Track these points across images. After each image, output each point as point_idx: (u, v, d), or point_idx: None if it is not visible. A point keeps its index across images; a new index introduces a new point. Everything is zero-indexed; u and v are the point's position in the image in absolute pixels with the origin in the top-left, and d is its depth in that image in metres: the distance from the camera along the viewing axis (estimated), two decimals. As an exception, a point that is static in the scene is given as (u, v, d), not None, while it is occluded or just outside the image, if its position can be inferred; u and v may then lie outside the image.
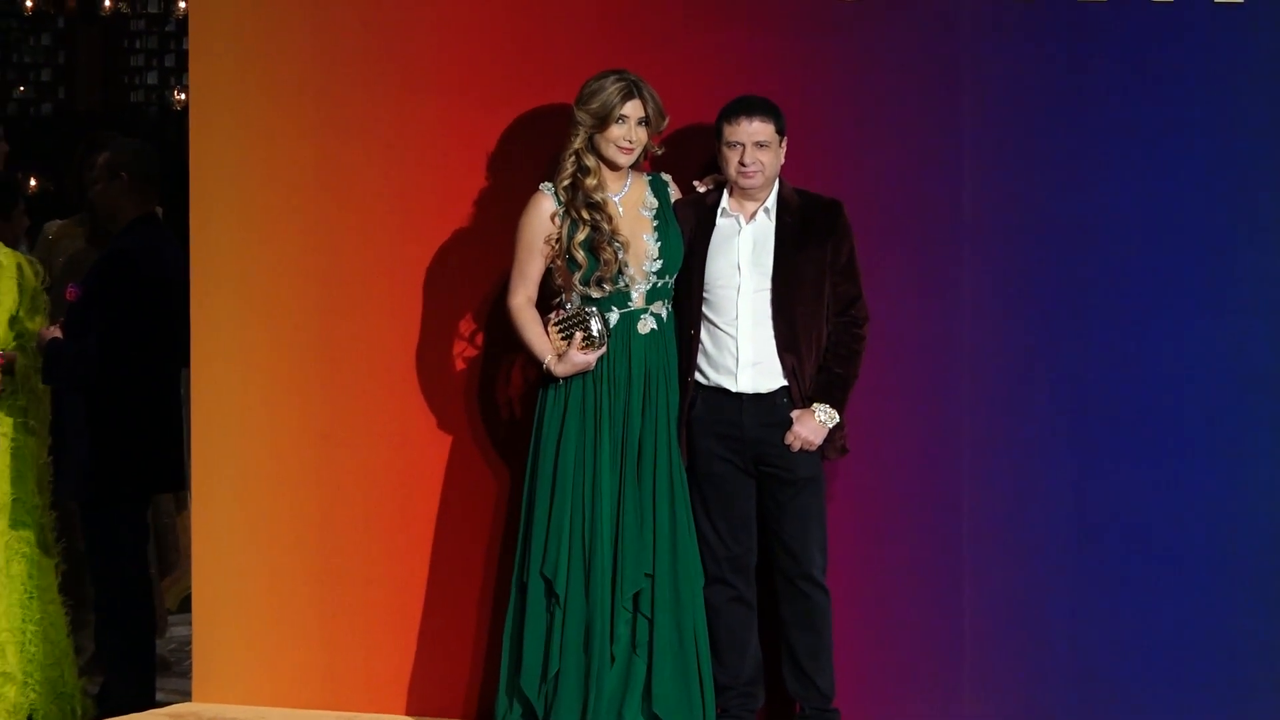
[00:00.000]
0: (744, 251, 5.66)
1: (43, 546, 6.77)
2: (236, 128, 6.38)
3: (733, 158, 5.61)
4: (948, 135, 5.87)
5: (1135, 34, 5.75)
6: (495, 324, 6.08)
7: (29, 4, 14.13)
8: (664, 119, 5.70)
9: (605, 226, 5.63)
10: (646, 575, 5.63)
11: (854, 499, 5.91)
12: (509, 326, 5.78)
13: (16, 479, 6.72)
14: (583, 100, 5.65)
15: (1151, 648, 5.79)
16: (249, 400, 6.38)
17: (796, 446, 5.64)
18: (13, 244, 7.26)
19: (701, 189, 5.80)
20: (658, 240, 5.67)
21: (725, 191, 5.72)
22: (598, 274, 5.63)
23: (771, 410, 5.65)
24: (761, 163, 5.60)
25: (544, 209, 5.69)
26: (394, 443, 6.26)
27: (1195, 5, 5.72)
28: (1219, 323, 5.73)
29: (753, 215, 5.68)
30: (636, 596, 5.64)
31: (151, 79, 15.42)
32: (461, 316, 6.19)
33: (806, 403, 5.65)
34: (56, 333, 6.73)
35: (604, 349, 5.64)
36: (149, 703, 6.76)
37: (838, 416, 5.65)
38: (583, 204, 5.65)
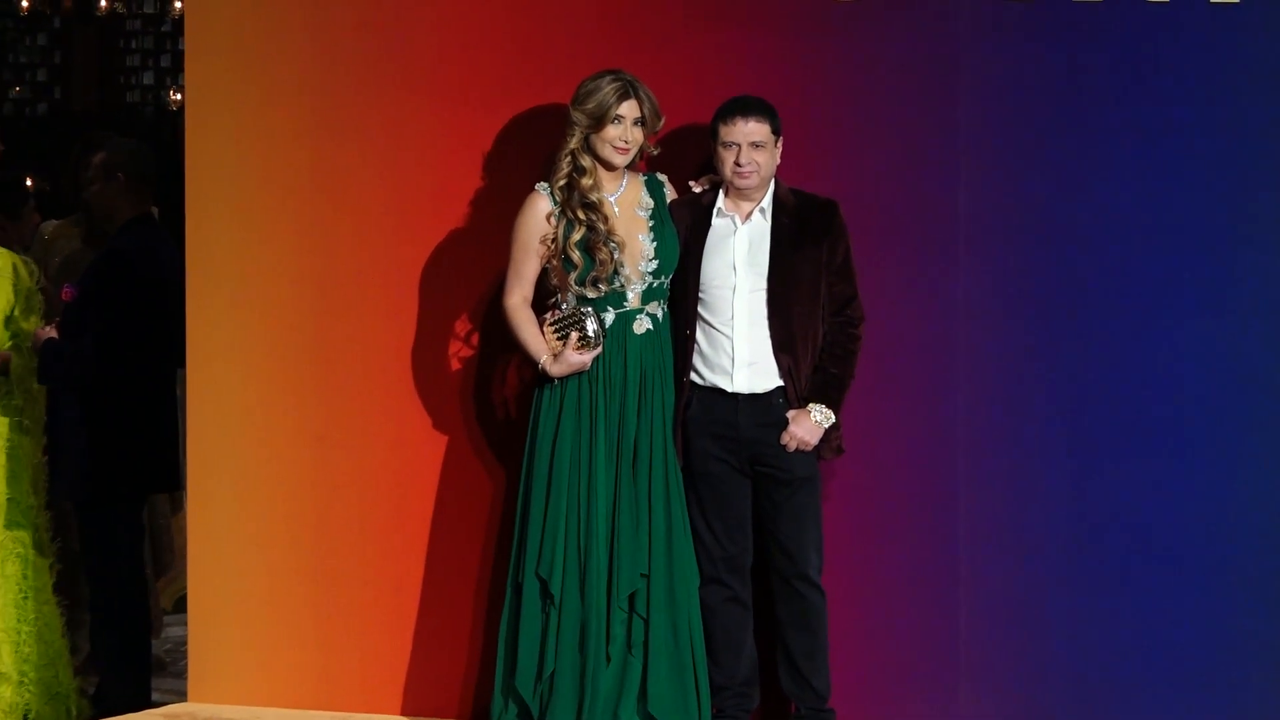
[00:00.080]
0: (739, 252, 5.66)
1: (38, 546, 6.77)
2: (232, 128, 6.38)
3: (728, 158, 5.61)
4: (944, 136, 5.87)
5: (1132, 34, 5.75)
6: (491, 324, 6.08)
7: (25, 4, 14.13)
8: (660, 119, 5.70)
9: (601, 227, 5.63)
10: (642, 575, 5.63)
11: (850, 499, 5.91)
12: (504, 327, 5.78)
13: (11, 479, 6.71)
14: (578, 100, 5.65)
15: (1149, 648, 5.79)
16: (245, 401, 6.38)
17: (792, 446, 5.64)
18: (23, 244, 7.27)
19: (697, 189, 5.79)
20: (653, 240, 5.67)
21: (721, 192, 5.71)
22: (593, 274, 5.62)
23: (767, 410, 5.65)
24: (757, 163, 5.59)
25: (540, 209, 5.69)
26: (390, 443, 6.26)
27: (1192, 5, 5.72)
28: (1217, 323, 5.73)
29: (748, 215, 5.68)
30: (632, 597, 5.64)
31: (147, 79, 15.42)
32: (457, 317, 6.19)
33: (802, 403, 5.65)
34: (52, 333, 6.72)
35: (599, 349, 5.64)
36: (144, 703, 6.75)
37: (834, 416, 5.65)
38: (578, 204, 5.65)
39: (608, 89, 5.62)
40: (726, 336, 5.65)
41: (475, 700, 6.17)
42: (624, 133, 5.63)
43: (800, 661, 5.73)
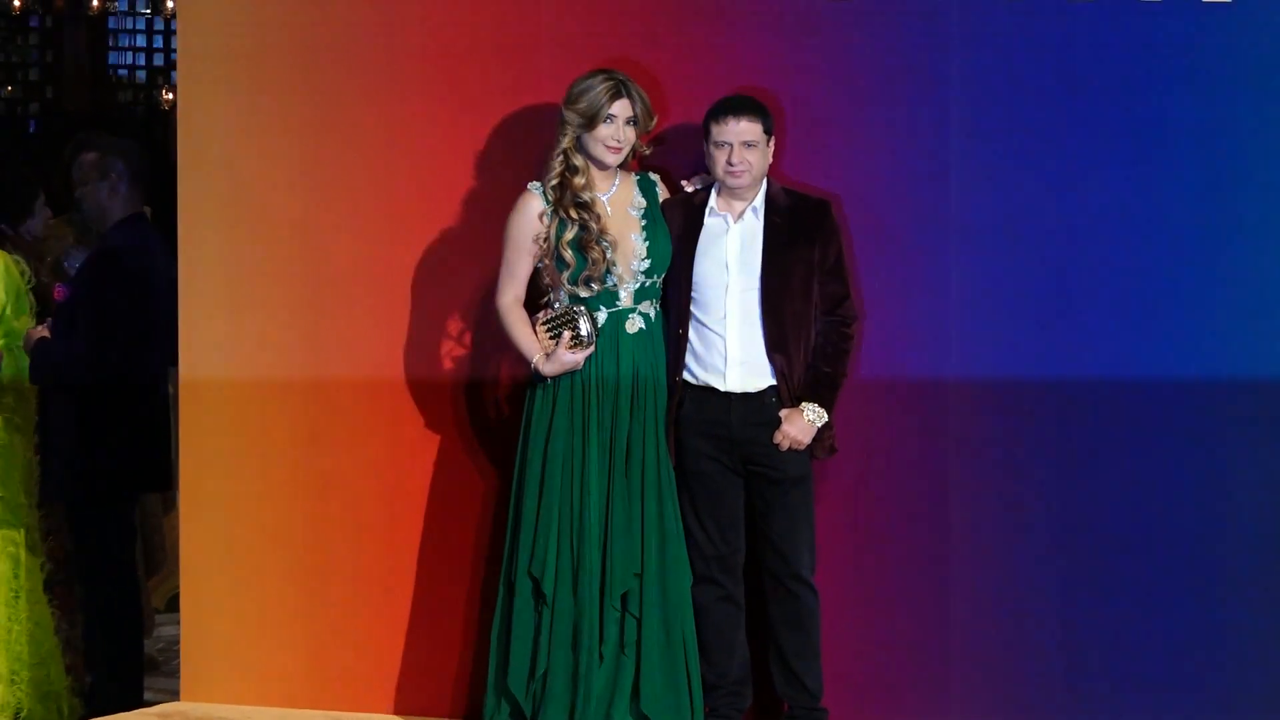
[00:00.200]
0: (732, 251, 5.66)
1: (29, 546, 6.76)
2: (224, 128, 6.37)
3: (720, 157, 5.61)
4: (936, 134, 5.86)
5: (1124, 33, 5.75)
6: (483, 323, 6.08)
7: (16, 3, 14.12)
8: (652, 118, 5.70)
9: (593, 226, 5.63)
10: (635, 575, 5.63)
11: (843, 498, 5.91)
12: (497, 326, 5.77)
13: (2, 478, 6.71)
14: (571, 100, 5.65)
15: (1139, 648, 5.79)
16: (237, 400, 6.38)
17: (785, 446, 5.64)
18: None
19: (689, 188, 5.80)
20: (646, 240, 5.67)
21: (713, 191, 5.72)
22: (586, 273, 5.63)
23: (760, 409, 5.66)
24: (749, 162, 5.60)
25: (532, 208, 5.69)
26: (382, 442, 6.25)
27: (1184, 5, 5.72)
28: (1210, 323, 5.73)
29: (741, 215, 5.68)
30: (625, 596, 5.63)
31: (139, 79, 15.42)
32: (449, 316, 6.19)
33: (795, 402, 5.65)
34: (44, 332, 6.72)
35: (592, 348, 5.64)
36: (137, 702, 6.75)
37: (826, 416, 5.66)
38: (571, 203, 5.65)
39: (600, 88, 5.62)
40: (719, 336, 5.65)
41: (468, 699, 6.16)
42: (616, 132, 5.63)
43: (792, 661, 5.73)
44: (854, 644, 5.91)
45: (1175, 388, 5.76)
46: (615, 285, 5.65)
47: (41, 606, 6.78)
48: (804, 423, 5.63)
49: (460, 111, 6.14)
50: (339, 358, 6.28)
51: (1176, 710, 5.77)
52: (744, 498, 5.74)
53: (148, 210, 7.06)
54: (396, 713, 6.25)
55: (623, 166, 5.74)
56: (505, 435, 6.03)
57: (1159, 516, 5.77)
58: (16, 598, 6.71)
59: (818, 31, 5.92)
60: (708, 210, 5.70)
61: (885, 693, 5.94)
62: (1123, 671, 5.80)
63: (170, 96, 13.94)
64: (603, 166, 5.69)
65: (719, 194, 5.70)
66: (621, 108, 5.63)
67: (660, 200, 5.76)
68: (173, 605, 7.69)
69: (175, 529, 7.13)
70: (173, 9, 11.20)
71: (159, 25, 14.85)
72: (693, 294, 5.67)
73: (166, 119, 13.07)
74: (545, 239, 5.67)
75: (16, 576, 6.73)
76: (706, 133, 5.63)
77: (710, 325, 5.66)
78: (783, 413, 5.65)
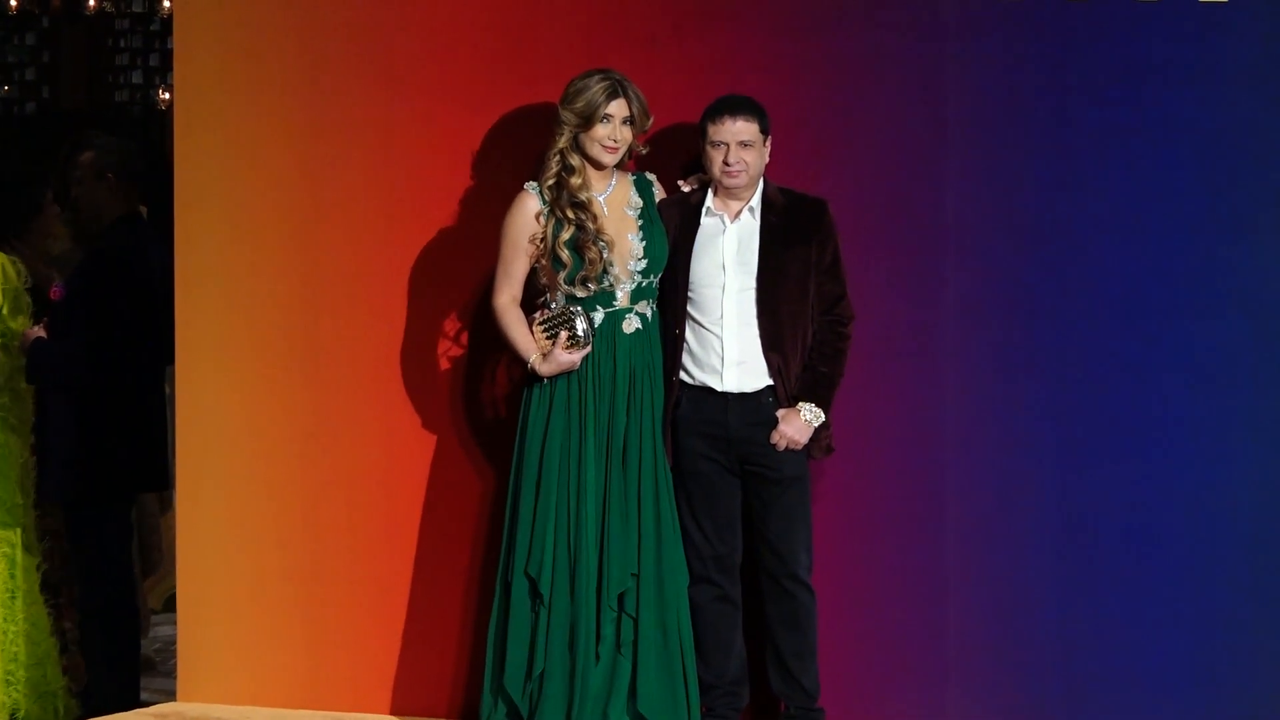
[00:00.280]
0: (729, 251, 5.66)
1: (25, 546, 6.76)
2: (221, 127, 6.37)
3: (717, 157, 5.61)
4: (933, 134, 5.87)
5: (1120, 33, 5.76)
6: (480, 323, 6.08)
7: (13, 3, 14.11)
8: (649, 118, 5.69)
9: (590, 226, 5.63)
10: (632, 575, 5.63)
11: (840, 498, 5.91)
12: (494, 326, 5.77)
13: (-1, 478, 6.72)
14: (567, 99, 5.65)
15: (1136, 646, 5.79)
16: (233, 400, 6.38)
17: (782, 445, 5.64)
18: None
19: (686, 188, 5.79)
20: (642, 239, 5.67)
21: (710, 191, 5.71)
22: (582, 273, 5.62)
23: (757, 409, 5.65)
24: (746, 162, 5.60)
25: (529, 208, 5.69)
26: (379, 442, 6.25)
27: (1180, 4, 5.73)
28: (1204, 322, 5.74)
29: (737, 214, 5.68)
30: (621, 596, 5.63)
31: (136, 78, 15.40)
32: (446, 316, 6.19)
33: (792, 402, 5.65)
34: (40, 333, 6.72)
35: (589, 348, 5.64)
36: (133, 702, 6.75)
37: (823, 415, 5.66)
38: (567, 203, 5.65)
39: (596, 88, 5.62)
40: (716, 335, 5.65)
41: (464, 699, 6.16)
42: (612, 132, 5.63)
43: (789, 660, 5.73)
44: (851, 644, 5.91)
45: (1172, 386, 5.77)
46: (612, 285, 5.65)
47: (38, 607, 6.78)
48: (801, 422, 5.63)
49: (457, 111, 6.14)
50: (335, 358, 6.28)
51: (1174, 710, 5.77)
52: (741, 498, 5.74)
53: (144, 210, 7.06)
54: (393, 713, 6.25)
55: (619, 166, 5.74)
56: (502, 435, 6.03)
57: (1156, 516, 5.78)
58: (13, 598, 6.71)
59: (814, 31, 5.92)
60: (704, 210, 5.70)
61: (882, 692, 5.94)
62: (1120, 671, 5.80)
63: (167, 96, 13.92)
64: (599, 166, 5.69)
65: (715, 194, 5.70)
66: (618, 107, 5.63)
67: (657, 200, 5.76)
68: (170, 605, 7.69)
69: (172, 529, 7.14)
70: (169, 9, 11.19)
71: (155, 25, 14.83)
72: (689, 294, 5.67)
73: (163, 119, 13.06)
74: (542, 239, 5.67)
75: (13, 577, 6.73)
76: (703, 133, 5.63)
77: (707, 325, 5.66)
78: (780, 413, 5.65)
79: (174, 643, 6.70)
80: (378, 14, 6.23)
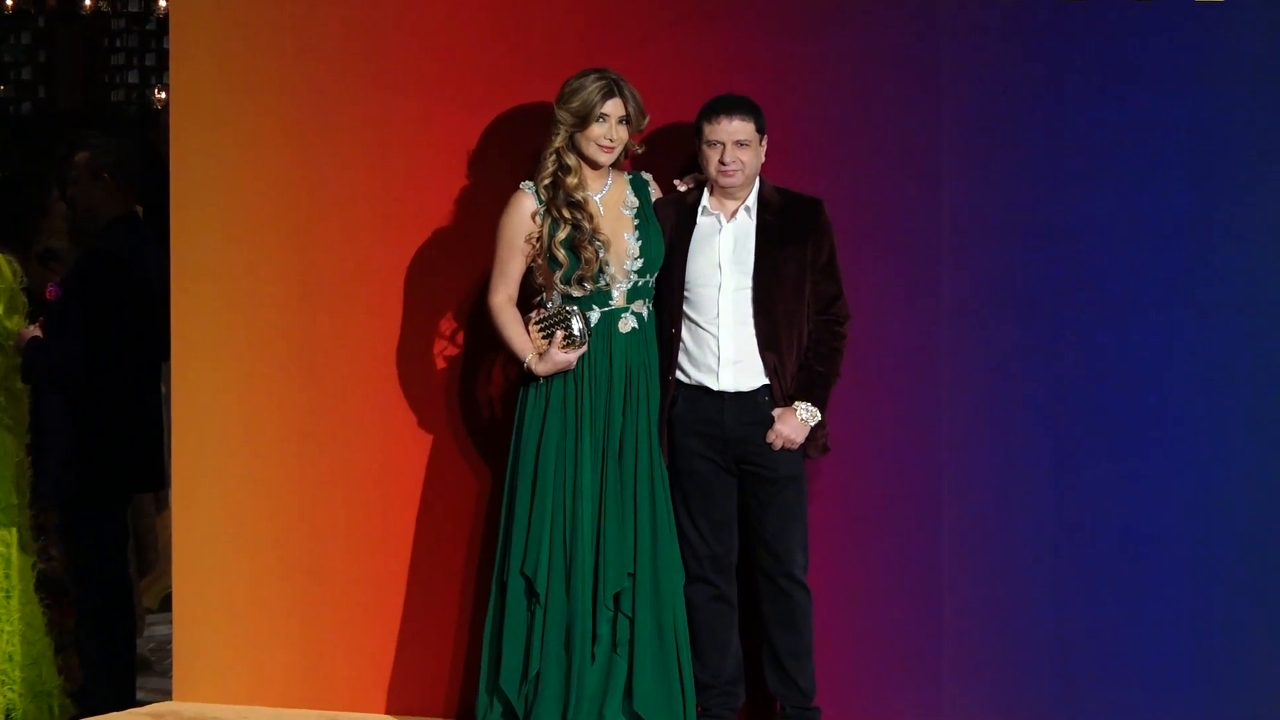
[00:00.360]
0: (725, 250, 5.66)
1: (20, 546, 6.76)
2: (217, 127, 6.37)
3: (713, 156, 5.61)
4: (928, 134, 5.87)
5: (1116, 33, 5.76)
6: (476, 323, 6.08)
7: (9, 2, 14.09)
8: (644, 118, 5.70)
9: (586, 225, 5.63)
10: (628, 574, 5.63)
11: (836, 498, 5.91)
12: (490, 325, 5.77)
13: (-6, 478, 6.72)
14: (563, 99, 5.65)
15: (1132, 646, 5.80)
16: (230, 400, 6.37)
17: (778, 445, 5.64)
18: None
19: (682, 188, 5.80)
20: (638, 239, 5.68)
21: (706, 190, 5.72)
22: (579, 273, 5.62)
23: (753, 409, 5.66)
24: (742, 161, 5.60)
25: (525, 208, 5.69)
26: (375, 441, 6.25)
27: (1176, 5, 5.73)
28: (1199, 322, 5.74)
29: (733, 214, 5.68)
30: (617, 595, 5.63)
31: (132, 78, 15.39)
32: (442, 315, 6.19)
33: (788, 401, 5.65)
34: (36, 332, 6.72)
35: (585, 348, 5.64)
36: (129, 702, 6.75)
37: (819, 415, 5.66)
38: (564, 203, 5.65)
39: (592, 87, 5.62)
40: (712, 335, 5.65)
41: (461, 699, 6.16)
42: (609, 131, 5.64)
43: (786, 660, 5.73)
44: (847, 643, 5.91)
45: (1168, 386, 5.77)
46: (608, 285, 5.65)
47: (33, 606, 6.78)
48: (797, 422, 5.63)
49: (453, 110, 6.14)
50: (331, 357, 6.28)
51: (1171, 710, 5.77)
52: (737, 497, 5.74)
53: (140, 210, 7.05)
54: (389, 712, 6.25)
55: (615, 166, 5.74)
56: (498, 435, 6.03)
57: (1153, 516, 5.78)
58: (8, 598, 6.71)
59: (810, 31, 5.92)
60: (700, 209, 5.70)
61: (878, 692, 5.94)
62: (1117, 671, 5.80)
63: (163, 96, 13.91)
64: (595, 166, 5.69)
65: (711, 193, 5.70)
66: (614, 107, 5.63)
67: (653, 199, 5.76)
68: (165, 605, 7.69)
69: (168, 528, 7.14)
70: (165, 8, 11.19)
71: (152, 25, 14.81)
72: (685, 293, 5.67)
73: (159, 118, 13.04)
74: (538, 238, 5.67)
75: (8, 576, 6.72)
76: (699, 132, 5.63)
77: (703, 324, 5.66)
78: (776, 412, 5.65)
79: (170, 642, 6.69)
80: (373, 14, 6.23)
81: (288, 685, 6.33)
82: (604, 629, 5.64)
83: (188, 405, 6.42)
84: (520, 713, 5.66)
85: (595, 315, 5.66)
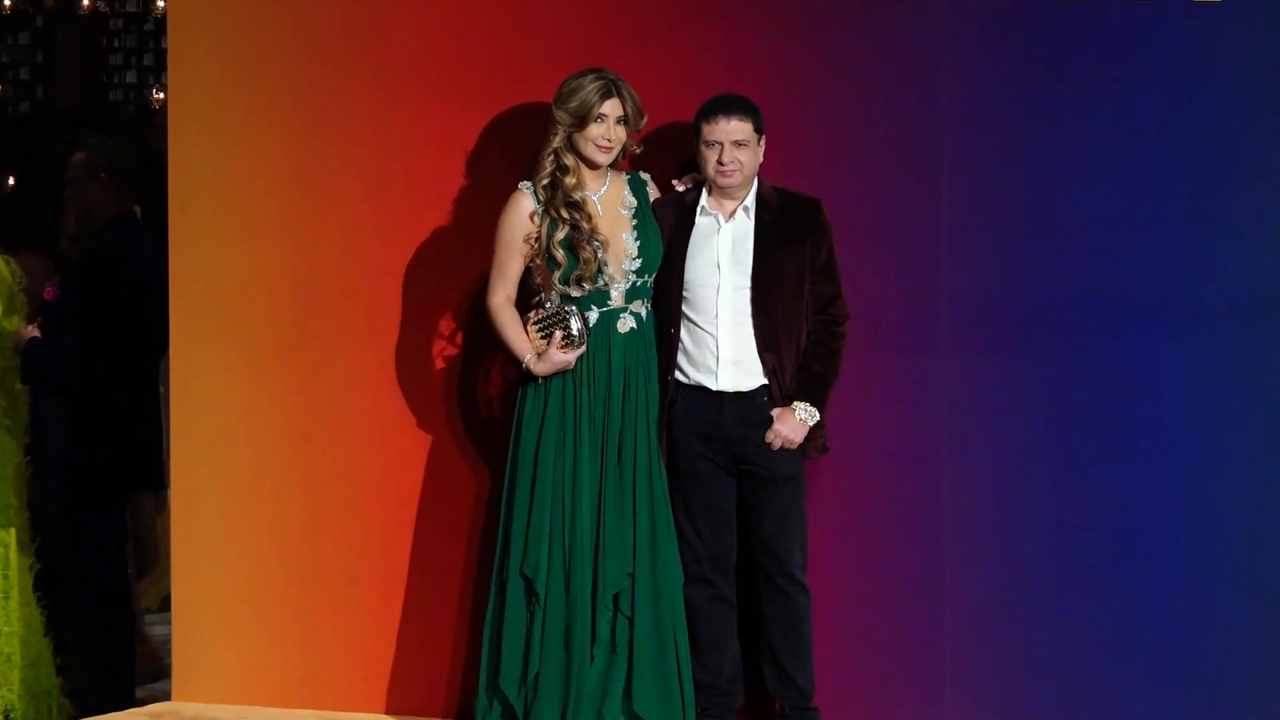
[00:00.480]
0: (723, 250, 5.66)
1: (19, 546, 6.75)
2: (215, 126, 6.37)
3: (711, 156, 5.61)
4: (927, 133, 5.87)
5: (1114, 33, 5.76)
6: (475, 323, 6.08)
7: (7, 2, 14.09)
8: (643, 118, 5.69)
9: (584, 225, 5.63)
10: (627, 574, 5.63)
11: (835, 497, 5.91)
12: (488, 325, 5.77)
13: (-7, 479, 6.72)
14: (561, 99, 5.65)
15: (1133, 647, 5.79)
16: (229, 400, 6.37)
17: (777, 445, 5.64)
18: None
19: (680, 188, 5.79)
20: (637, 239, 5.67)
21: (704, 190, 5.71)
22: (577, 273, 5.62)
23: (752, 409, 5.65)
24: (740, 161, 5.59)
25: (523, 208, 5.69)
26: (374, 442, 6.25)
27: (1174, 4, 5.73)
28: (1198, 323, 5.74)
29: (732, 214, 5.68)
30: (617, 596, 5.63)
31: (130, 78, 15.39)
32: (441, 315, 6.19)
33: (787, 401, 5.65)
34: (35, 333, 6.71)
35: (583, 348, 5.64)
36: (128, 702, 6.74)
37: (818, 415, 5.66)
38: (562, 203, 5.65)
39: (590, 87, 5.62)
40: (711, 335, 5.65)
41: (460, 699, 6.16)
42: (607, 131, 5.63)
43: (785, 660, 5.73)
44: (846, 643, 5.91)
45: (1167, 386, 5.77)
46: (606, 285, 5.65)
47: (32, 607, 6.78)
48: (796, 422, 5.63)
49: (451, 110, 6.14)
50: (330, 358, 6.28)
51: (1171, 710, 5.77)
52: (736, 497, 5.74)
53: (138, 210, 7.05)
54: (388, 713, 6.25)
55: (613, 166, 5.74)
56: (497, 435, 6.03)
57: (1154, 516, 5.78)
58: (6, 598, 6.70)
59: (808, 30, 5.92)
60: (699, 209, 5.70)
61: (877, 692, 5.94)
62: (1117, 672, 5.80)
63: (161, 96, 13.91)
64: (594, 166, 5.69)
65: (710, 193, 5.70)
66: (612, 107, 5.63)
67: (651, 199, 5.76)
68: (165, 605, 7.68)
69: (167, 529, 7.13)
70: (163, 8, 11.19)
71: (149, 24, 14.81)
72: (684, 293, 5.67)
73: (157, 118, 13.03)
74: (536, 238, 5.67)
75: (6, 577, 6.72)
76: (697, 132, 5.63)
77: (702, 325, 5.66)
78: (775, 412, 5.65)
79: (169, 642, 6.69)
80: (372, 13, 6.23)
81: (287, 685, 6.33)
82: (603, 629, 5.64)
83: (186, 405, 6.42)
84: (519, 713, 5.66)
85: (594, 315, 5.66)
